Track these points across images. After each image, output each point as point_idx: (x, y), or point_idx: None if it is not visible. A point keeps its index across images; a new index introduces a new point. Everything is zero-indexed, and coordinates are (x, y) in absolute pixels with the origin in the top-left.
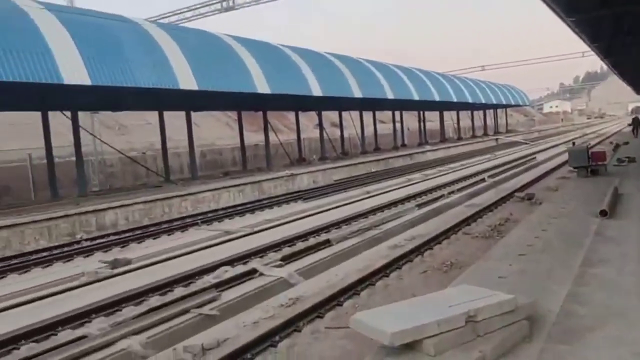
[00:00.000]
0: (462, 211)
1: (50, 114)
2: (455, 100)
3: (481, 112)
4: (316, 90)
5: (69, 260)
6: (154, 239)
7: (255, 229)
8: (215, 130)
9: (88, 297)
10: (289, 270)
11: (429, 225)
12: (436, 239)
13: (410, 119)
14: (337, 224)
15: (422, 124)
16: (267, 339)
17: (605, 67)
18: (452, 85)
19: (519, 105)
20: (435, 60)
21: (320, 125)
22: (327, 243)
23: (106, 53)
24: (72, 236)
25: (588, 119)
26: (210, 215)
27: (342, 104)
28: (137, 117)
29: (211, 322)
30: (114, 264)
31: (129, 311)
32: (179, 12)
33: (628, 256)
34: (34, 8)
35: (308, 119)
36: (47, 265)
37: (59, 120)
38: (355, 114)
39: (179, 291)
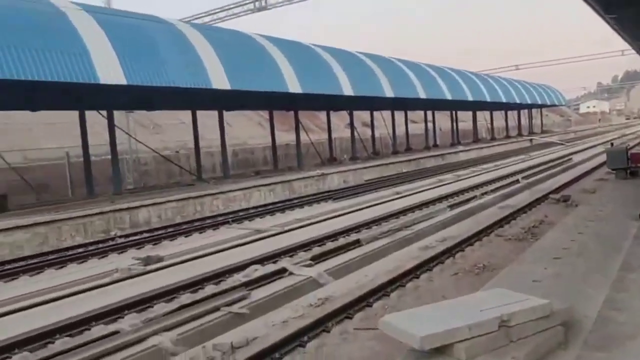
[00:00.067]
0: (495, 213)
1: (87, 113)
2: (488, 100)
3: (515, 112)
4: (347, 90)
5: (103, 257)
6: (185, 236)
7: (286, 228)
8: (247, 129)
9: (121, 294)
10: (319, 270)
11: (461, 226)
12: (468, 241)
13: (442, 119)
14: (367, 224)
15: (454, 124)
16: (296, 339)
17: None
18: (486, 84)
19: (554, 105)
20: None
21: (352, 125)
22: (357, 243)
23: (141, 53)
24: (106, 233)
25: (627, 119)
26: (241, 214)
27: (373, 103)
28: (170, 116)
29: (241, 321)
30: (147, 260)
31: (161, 308)
32: (212, 12)
33: None
34: (72, 9)
35: (339, 119)
36: (83, 261)
37: (95, 120)
38: (386, 113)
39: (209, 289)
